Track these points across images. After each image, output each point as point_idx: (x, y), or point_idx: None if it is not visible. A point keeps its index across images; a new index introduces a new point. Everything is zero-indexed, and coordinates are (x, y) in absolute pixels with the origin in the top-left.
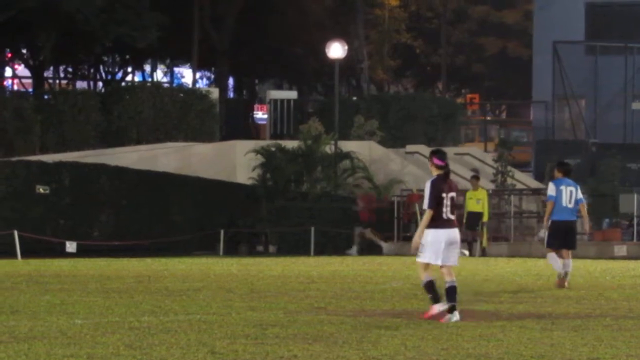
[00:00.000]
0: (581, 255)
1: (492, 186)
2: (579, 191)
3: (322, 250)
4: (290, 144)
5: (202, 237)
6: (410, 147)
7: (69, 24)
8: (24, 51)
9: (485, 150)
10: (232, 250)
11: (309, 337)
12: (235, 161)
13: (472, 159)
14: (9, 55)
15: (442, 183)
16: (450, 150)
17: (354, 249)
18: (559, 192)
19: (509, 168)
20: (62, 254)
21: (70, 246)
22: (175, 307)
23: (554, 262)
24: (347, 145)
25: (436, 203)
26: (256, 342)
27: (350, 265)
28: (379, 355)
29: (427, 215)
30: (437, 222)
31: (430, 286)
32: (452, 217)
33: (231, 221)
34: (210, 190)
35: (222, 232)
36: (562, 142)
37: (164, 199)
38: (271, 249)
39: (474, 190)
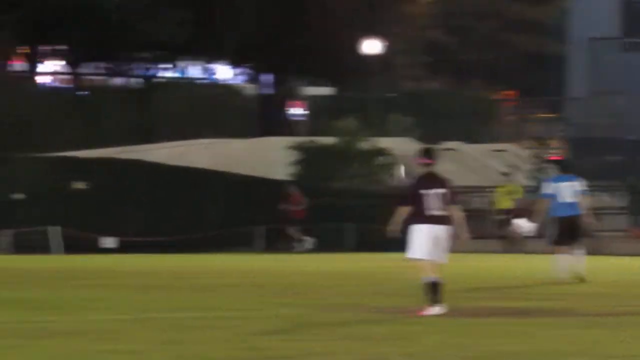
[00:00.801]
0: (617, 253)
1: (527, 183)
2: (581, 184)
3: (359, 247)
4: (326, 141)
5: (238, 233)
6: (446, 144)
7: (105, 20)
8: (61, 47)
9: (522, 147)
10: (268, 246)
11: (347, 334)
12: (271, 157)
13: (508, 155)
14: (46, 51)
15: (422, 181)
16: (486, 147)
17: (309, 241)
18: (556, 189)
19: (544, 165)
20: (99, 249)
21: (107, 242)
22: (213, 303)
23: (561, 264)
24: (382, 142)
25: (411, 201)
26: (294, 339)
27: (388, 262)
28: (417, 351)
29: (398, 211)
30: (418, 218)
31: (429, 288)
32: (439, 213)
33: (267, 217)
34: (247, 186)
35: (259, 228)
36: (598, 139)
37: (199, 195)
38: (308, 245)
39: (507, 187)
